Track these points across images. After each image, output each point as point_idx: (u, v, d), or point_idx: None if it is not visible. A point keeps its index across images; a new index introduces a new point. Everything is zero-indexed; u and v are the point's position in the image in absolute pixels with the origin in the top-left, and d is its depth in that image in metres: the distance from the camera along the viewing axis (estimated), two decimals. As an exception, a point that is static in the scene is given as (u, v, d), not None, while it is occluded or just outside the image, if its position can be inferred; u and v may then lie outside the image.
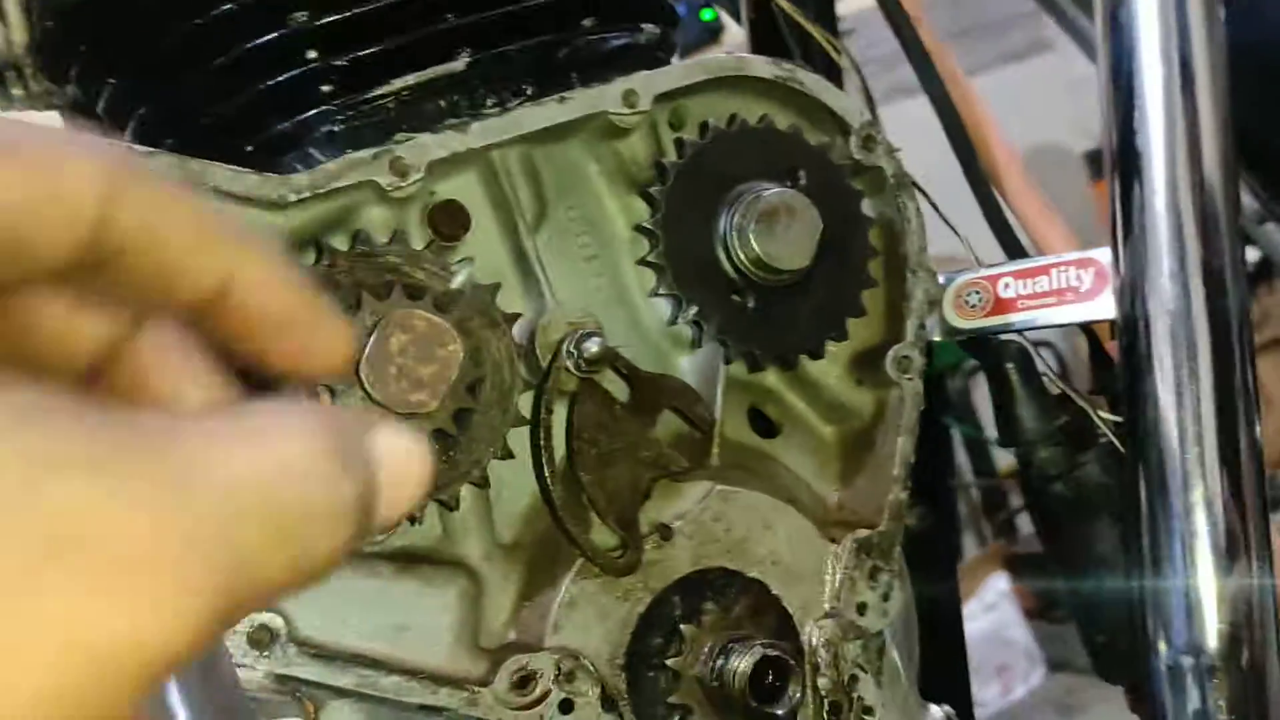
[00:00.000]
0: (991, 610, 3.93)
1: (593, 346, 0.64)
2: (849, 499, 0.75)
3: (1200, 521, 0.71)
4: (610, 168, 0.69)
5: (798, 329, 0.70)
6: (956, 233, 0.82)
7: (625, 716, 0.63)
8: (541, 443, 0.63)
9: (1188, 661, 0.71)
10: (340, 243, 0.60)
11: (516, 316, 0.63)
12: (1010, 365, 0.82)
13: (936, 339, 0.83)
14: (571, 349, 0.64)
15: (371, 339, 0.55)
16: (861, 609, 0.70)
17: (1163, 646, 0.72)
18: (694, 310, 0.68)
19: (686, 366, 0.72)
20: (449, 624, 0.61)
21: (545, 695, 0.61)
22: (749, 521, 0.69)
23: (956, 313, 0.82)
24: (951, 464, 0.92)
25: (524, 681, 0.61)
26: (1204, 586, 0.71)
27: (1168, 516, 0.72)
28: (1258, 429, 0.74)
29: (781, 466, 0.75)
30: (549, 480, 0.63)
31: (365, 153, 0.60)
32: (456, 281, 0.61)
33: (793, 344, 0.70)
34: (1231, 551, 0.71)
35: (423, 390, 0.56)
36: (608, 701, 0.63)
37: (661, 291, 0.68)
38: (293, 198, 0.59)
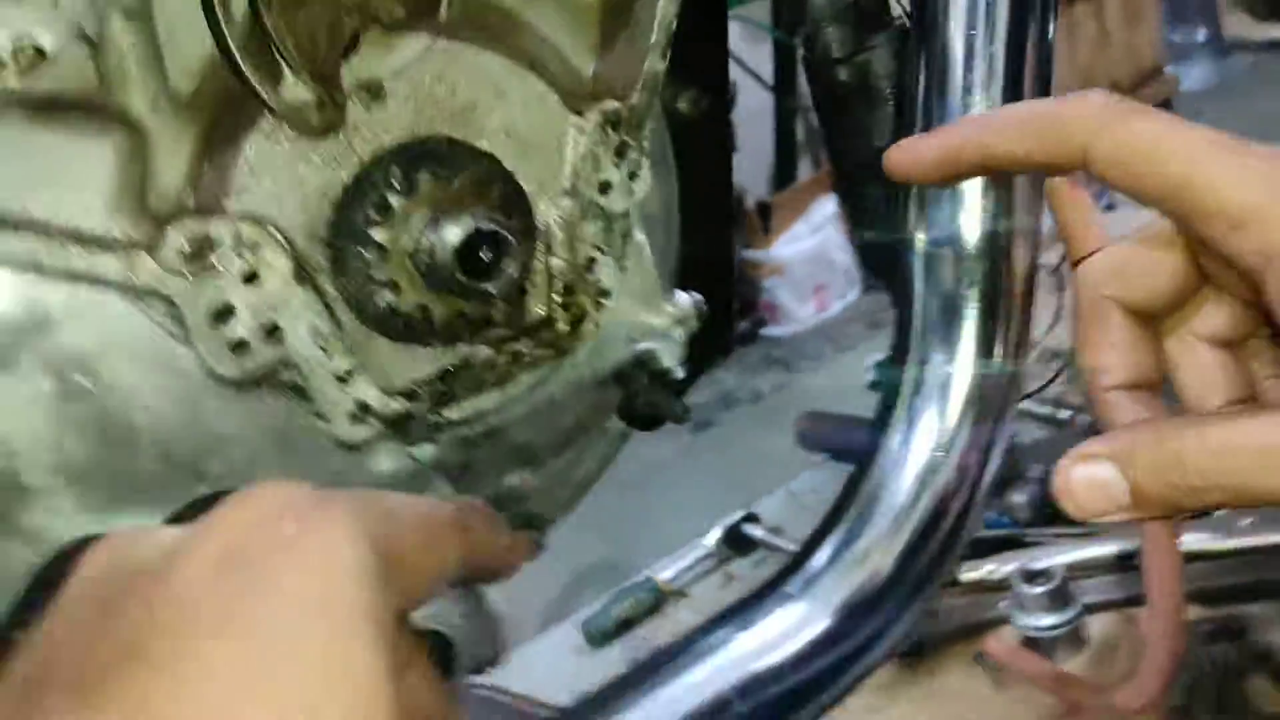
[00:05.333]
0: (818, 232, 4.03)
1: None
2: (604, 70, 0.66)
3: (977, 109, 0.66)
4: None
5: None
6: None
7: (323, 291, 0.57)
8: (210, -30, 0.51)
9: (945, 253, 0.68)
10: None
11: None
12: (802, -74, 0.72)
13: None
14: None
15: None
16: (604, 187, 0.63)
17: (921, 237, 0.69)
18: None
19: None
20: (102, 180, 0.52)
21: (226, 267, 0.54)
22: (478, 86, 0.60)
23: None
24: (726, 53, 0.83)
25: (198, 251, 0.53)
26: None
27: (944, 106, 0.67)
28: (1051, 26, 0.67)
29: (529, 28, 0.65)
30: (220, 21, 0.52)
31: None
32: None
33: None
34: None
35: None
36: (301, 275, 0.56)
37: None
38: None
